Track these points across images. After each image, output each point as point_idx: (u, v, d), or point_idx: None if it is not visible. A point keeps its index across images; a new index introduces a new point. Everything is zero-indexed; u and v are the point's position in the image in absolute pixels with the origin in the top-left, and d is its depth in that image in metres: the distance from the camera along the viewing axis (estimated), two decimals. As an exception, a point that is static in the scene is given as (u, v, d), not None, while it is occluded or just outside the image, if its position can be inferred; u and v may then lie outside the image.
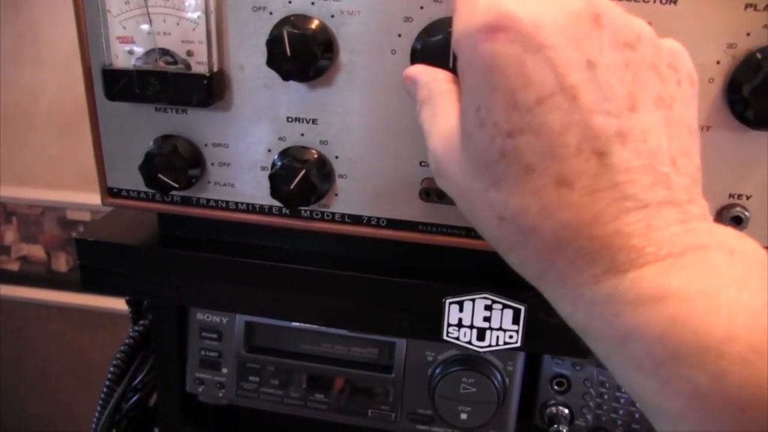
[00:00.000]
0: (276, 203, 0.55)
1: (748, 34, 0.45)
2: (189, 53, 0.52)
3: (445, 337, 0.57)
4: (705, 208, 0.34)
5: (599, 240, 0.31)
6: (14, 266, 1.90)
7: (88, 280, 0.65)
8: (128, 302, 0.79)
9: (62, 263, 1.87)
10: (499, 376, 0.66)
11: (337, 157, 0.54)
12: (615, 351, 0.32)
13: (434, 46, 0.46)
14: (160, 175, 0.55)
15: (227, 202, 0.58)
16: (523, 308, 0.56)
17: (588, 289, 0.32)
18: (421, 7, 0.48)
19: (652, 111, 0.33)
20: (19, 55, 1.67)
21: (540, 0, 0.32)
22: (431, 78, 0.41)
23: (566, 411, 0.69)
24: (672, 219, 0.31)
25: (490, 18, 0.32)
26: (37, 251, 1.88)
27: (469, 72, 0.34)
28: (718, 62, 0.46)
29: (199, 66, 0.52)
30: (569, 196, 0.31)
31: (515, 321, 0.56)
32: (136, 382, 0.80)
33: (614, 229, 0.31)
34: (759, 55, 0.45)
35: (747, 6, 0.45)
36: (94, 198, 0.61)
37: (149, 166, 0.55)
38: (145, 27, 0.52)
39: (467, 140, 0.35)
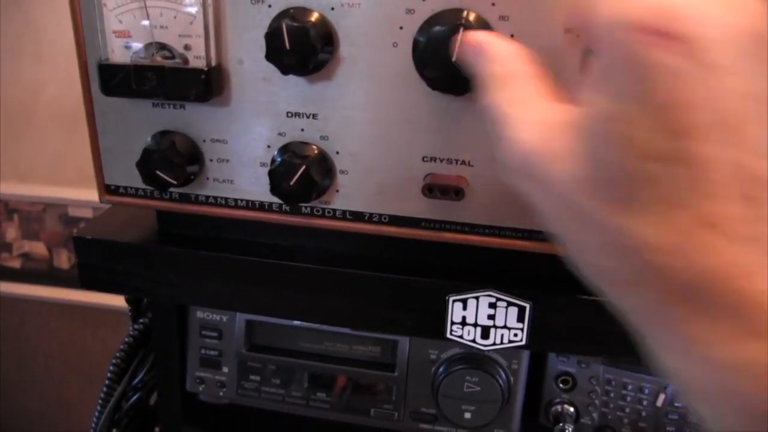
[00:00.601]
0: (276, 200, 0.54)
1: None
2: (186, 47, 0.51)
3: (448, 336, 0.57)
4: None
5: (741, 295, 0.26)
6: (16, 263, 1.90)
7: (87, 277, 0.64)
8: (128, 300, 0.79)
9: (64, 260, 1.87)
10: (503, 375, 0.65)
11: (338, 153, 0.53)
12: (722, 419, 0.28)
13: (437, 39, 0.45)
14: (158, 172, 0.54)
15: (226, 199, 0.57)
16: (528, 306, 0.55)
17: (719, 349, 0.27)
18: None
19: None
20: (20, 52, 1.66)
21: (719, 5, 0.27)
22: (509, 53, 0.36)
23: (572, 409, 0.68)
24: None
25: (661, 16, 0.27)
26: (38, 248, 1.88)
27: (611, 71, 0.29)
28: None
29: (197, 60, 0.51)
30: (715, 240, 0.27)
31: (520, 319, 0.55)
32: (137, 380, 0.79)
33: (761, 287, 0.26)
34: None
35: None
36: (95, 195, 0.60)
37: (147, 163, 0.54)
38: (141, 21, 0.51)
39: (591, 151, 0.30)
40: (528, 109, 0.34)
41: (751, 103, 0.27)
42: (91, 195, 0.60)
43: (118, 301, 0.79)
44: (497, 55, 0.37)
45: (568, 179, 0.31)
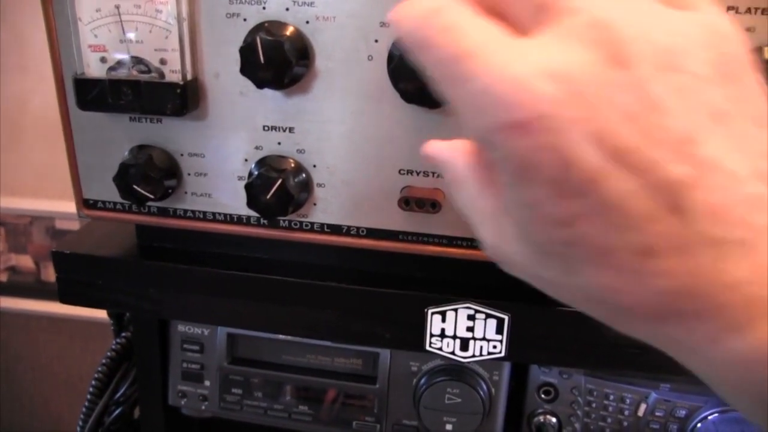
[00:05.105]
0: (254, 213, 0.54)
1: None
2: (162, 61, 0.51)
3: (427, 348, 0.57)
4: None
5: (706, 299, 0.27)
6: (3, 277, 1.89)
7: (67, 292, 0.64)
8: (110, 315, 0.79)
9: (51, 273, 1.85)
10: (484, 386, 0.65)
11: (314, 166, 0.53)
12: (753, 411, 0.29)
13: (410, 52, 0.45)
14: (135, 186, 0.54)
15: (204, 213, 0.57)
16: (506, 317, 0.55)
17: (706, 352, 0.28)
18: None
19: (714, 131, 0.27)
20: (5, 64, 1.66)
21: (544, 55, 0.28)
22: (451, 156, 0.37)
23: (554, 420, 0.68)
24: None
25: (503, 112, 0.28)
26: (25, 261, 1.87)
27: (503, 169, 0.30)
28: None
29: (173, 74, 0.51)
30: (658, 263, 0.27)
31: (499, 331, 0.55)
32: (119, 395, 0.78)
33: (722, 284, 0.27)
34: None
35: (729, 8, 0.44)
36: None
37: (124, 177, 0.54)
38: (117, 35, 0.51)
39: (523, 234, 0.31)
40: (480, 205, 0.35)
41: (625, 126, 0.27)
42: (78, 207, 0.60)
43: (105, 314, 0.79)
44: (445, 162, 0.38)
45: (527, 263, 0.33)
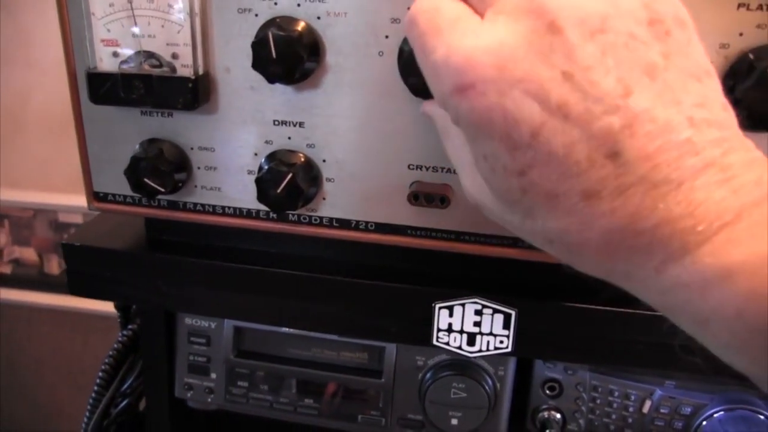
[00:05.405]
0: (263, 207, 0.54)
1: (741, 35, 0.45)
2: (174, 56, 0.51)
3: (434, 343, 0.57)
4: (748, 147, 0.32)
5: (646, 234, 0.31)
6: (6, 269, 1.89)
7: (76, 284, 0.65)
8: (117, 307, 0.79)
9: (54, 266, 1.86)
10: (490, 381, 0.65)
11: (324, 161, 0.53)
12: (699, 333, 0.32)
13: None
14: (146, 180, 0.54)
15: (214, 207, 0.57)
16: (513, 313, 0.55)
17: (653, 281, 0.32)
18: (409, 8, 0.47)
19: (648, 84, 0.31)
20: (10, 58, 1.66)
21: (489, 31, 0.32)
22: (442, 112, 0.41)
23: (558, 416, 0.69)
24: (713, 184, 0.30)
25: (454, 78, 0.32)
26: (29, 254, 1.87)
27: (462, 128, 0.35)
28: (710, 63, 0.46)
29: (185, 69, 0.52)
30: (601, 205, 0.31)
31: (506, 326, 0.55)
32: (125, 387, 0.79)
33: (657, 219, 0.30)
34: (752, 56, 0.44)
35: (740, 6, 0.44)
36: (86, 201, 0.60)
37: (135, 171, 0.55)
38: (129, 29, 0.51)
39: (488, 183, 0.36)
40: (463, 156, 0.41)
41: (561, 85, 0.31)
42: (81, 201, 0.60)
43: (108, 307, 0.79)
44: (438, 117, 0.44)
45: (496, 208, 0.38)
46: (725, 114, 0.32)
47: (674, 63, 0.32)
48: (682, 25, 0.33)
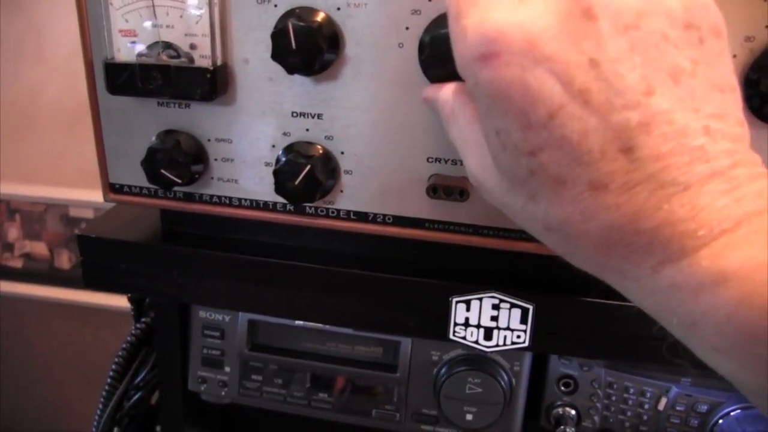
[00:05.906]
0: (280, 199, 0.54)
1: (767, 27, 0.44)
2: (192, 46, 0.51)
3: (451, 337, 0.57)
4: (755, 162, 0.32)
5: (647, 234, 0.31)
6: (17, 263, 1.90)
7: (90, 276, 0.65)
8: (130, 299, 0.79)
9: (65, 260, 1.87)
10: (505, 377, 0.65)
11: (342, 153, 0.53)
12: (687, 336, 0.32)
13: (443, 39, 0.45)
14: (162, 171, 0.54)
15: (230, 198, 0.57)
16: (531, 308, 0.55)
17: (647, 281, 0.32)
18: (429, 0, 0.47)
19: (671, 87, 0.31)
20: (22, 53, 1.66)
21: (526, 7, 0.32)
22: (447, 94, 0.41)
23: (573, 412, 0.68)
24: (717, 193, 0.30)
25: (482, 45, 0.32)
26: (40, 248, 1.88)
27: (478, 99, 0.35)
28: (734, 56, 0.45)
29: (203, 59, 0.51)
30: (606, 198, 0.31)
31: (523, 321, 0.55)
32: (138, 380, 0.79)
33: (660, 220, 0.30)
34: (777, 49, 0.44)
35: (764, -1, 0.44)
36: (96, 195, 0.60)
37: (152, 162, 0.54)
38: (148, 20, 0.51)
39: (496, 161, 0.36)
40: (468, 138, 0.39)
41: (587, 72, 0.31)
42: (92, 195, 0.60)
43: (118, 301, 0.80)
44: (442, 101, 0.43)
45: (499, 189, 0.37)
46: (740, 129, 0.33)
47: (701, 71, 0.32)
48: (718, 35, 0.33)
